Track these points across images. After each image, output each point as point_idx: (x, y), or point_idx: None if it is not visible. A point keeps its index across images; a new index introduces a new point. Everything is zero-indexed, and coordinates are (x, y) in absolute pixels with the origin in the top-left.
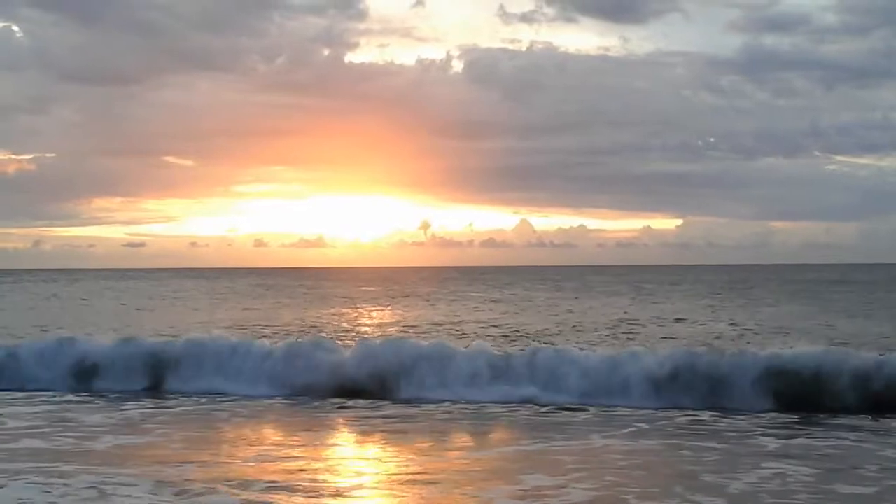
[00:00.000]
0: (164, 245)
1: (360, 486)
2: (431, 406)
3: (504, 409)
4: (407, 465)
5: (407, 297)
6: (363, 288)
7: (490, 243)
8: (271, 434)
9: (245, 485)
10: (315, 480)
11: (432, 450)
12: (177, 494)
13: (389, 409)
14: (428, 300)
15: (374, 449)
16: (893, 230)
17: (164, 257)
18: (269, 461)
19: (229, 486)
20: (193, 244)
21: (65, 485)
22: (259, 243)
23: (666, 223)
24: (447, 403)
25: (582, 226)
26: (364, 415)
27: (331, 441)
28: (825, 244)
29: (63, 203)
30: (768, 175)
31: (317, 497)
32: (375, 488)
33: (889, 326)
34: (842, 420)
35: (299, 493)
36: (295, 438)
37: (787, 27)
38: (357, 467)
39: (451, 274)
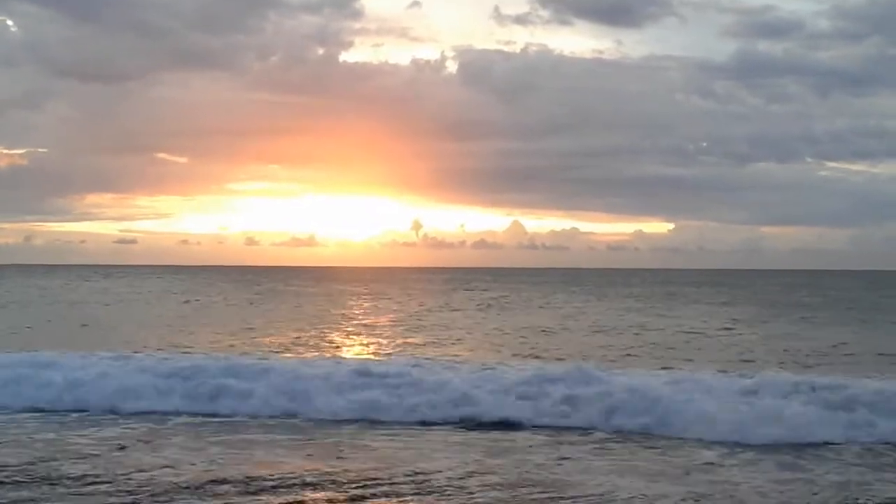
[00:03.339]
0: (155, 242)
1: None
2: None
3: None
4: None
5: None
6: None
7: (481, 244)
8: None
9: None
10: None
11: None
12: None
13: None
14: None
15: None
16: (885, 237)
17: (155, 254)
18: None
19: None
20: (185, 241)
21: None
22: (250, 241)
23: (658, 227)
24: None
25: (574, 228)
26: None
27: None
28: (817, 250)
29: (55, 198)
30: (761, 180)
31: None
32: None
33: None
34: None
35: None
36: None
37: (781, 33)
38: None
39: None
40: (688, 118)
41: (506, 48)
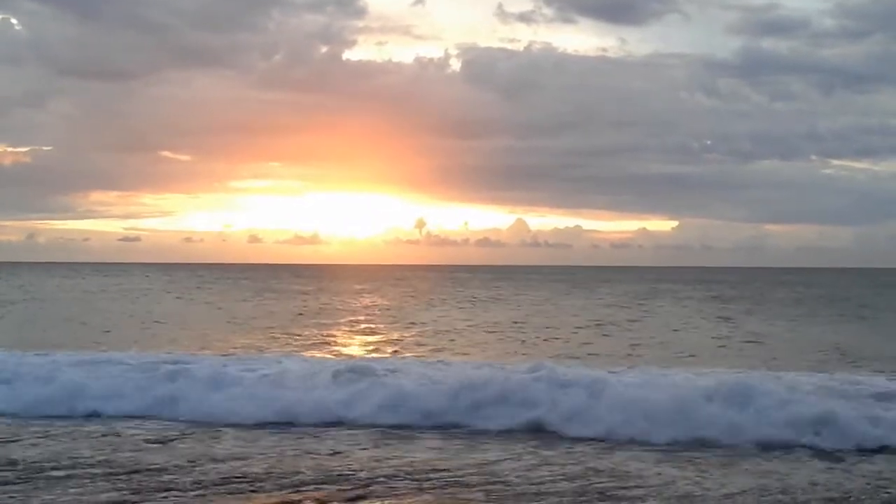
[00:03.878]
0: (159, 239)
1: None
2: None
3: None
4: None
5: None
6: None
7: (485, 242)
8: None
9: None
10: None
11: None
12: None
13: None
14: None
15: None
16: (889, 235)
17: (158, 252)
18: None
19: None
20: (188, 239)
21: None
22: (254, 239)
23: (661, 225)
24: None
25: (577, 226)
26: None
27: None
28: (820, 248)
29: (59, 196)
30: (764, 178)
31: None
32: None
33: None
34: None
35: None
36: None
37: (786, 30)
38: None
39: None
40: (692, 116)
41: (509, 46)
